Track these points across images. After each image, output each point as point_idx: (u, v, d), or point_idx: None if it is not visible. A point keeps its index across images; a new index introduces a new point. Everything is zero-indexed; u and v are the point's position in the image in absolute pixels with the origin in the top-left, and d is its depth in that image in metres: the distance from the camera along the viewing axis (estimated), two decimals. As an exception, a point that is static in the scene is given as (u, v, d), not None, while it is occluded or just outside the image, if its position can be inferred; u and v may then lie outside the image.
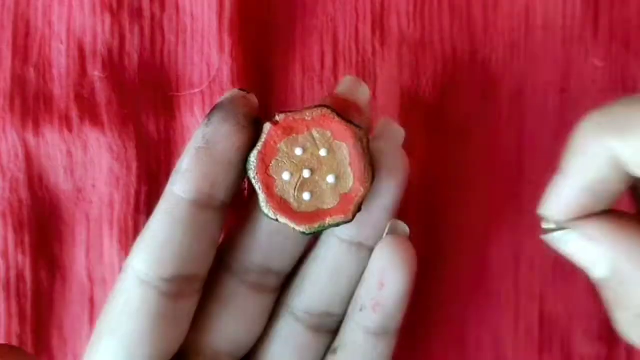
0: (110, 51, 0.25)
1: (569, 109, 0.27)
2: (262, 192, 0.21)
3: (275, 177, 0.21)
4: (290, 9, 0.27)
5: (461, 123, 0.27)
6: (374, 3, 0.27)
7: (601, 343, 0.27)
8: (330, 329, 0.24)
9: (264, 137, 0.21)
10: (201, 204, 0.21)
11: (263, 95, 0.27)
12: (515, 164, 0.27)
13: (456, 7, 0.27)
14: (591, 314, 0.27)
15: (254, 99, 0.22)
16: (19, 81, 0.25)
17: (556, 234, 0.20)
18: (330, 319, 0.23)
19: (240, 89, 0.22)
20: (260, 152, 0.21)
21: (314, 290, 0.23)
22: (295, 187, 0.21)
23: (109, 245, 0.26)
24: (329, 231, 0.23)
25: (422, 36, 0.27)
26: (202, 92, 0.26)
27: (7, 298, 0.25)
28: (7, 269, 0.25)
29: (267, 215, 0.21)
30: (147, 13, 0.26)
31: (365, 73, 0.27)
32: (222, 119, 0.21)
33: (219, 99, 0.22)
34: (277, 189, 0.21)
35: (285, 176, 0.21)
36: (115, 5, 0.26)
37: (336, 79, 0.27)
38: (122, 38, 0.26)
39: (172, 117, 0.26)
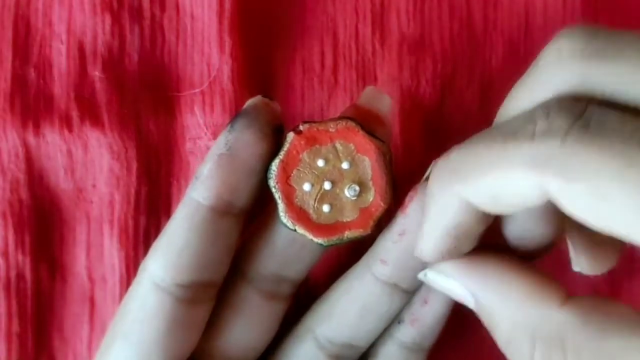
0: (110, 51, 0.25)
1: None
2: (282, 201, 0.21)
3: (296, 187, 0.21)
4: (290, 9, 0.27)
5: (461, 123, 0.27)
6: (374, 3, 0.27)
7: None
8: (349, 359, 0.24)
9: (286, 146, 0.21)
10: (221, 210, 0.21)
11: (263, 95, 0.27)
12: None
13: (456, 7, 0.27)
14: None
15: (277, 106, 0.22)
16: (19, 81, 0.25)
17: (423, 276, 0.21)
18: (351, 351, 0.23)
19: (264, 96, 0.22)
20: (282, 161, 0.21)
21: (340, 321, 0.23)
22: (315, 198, 0.21)
23: (109, 245, 0.26)
24: (364, 266, 0.23)
25: (422, 36, 0.27)
26: (202, 92, 0.26)
27: (7, 298, 0.25)
28: (7, 268, 0.25)
29: (285, 225, 0.21)
30: (147, 13, 0.26)
31: (365, 73, 0.27)
32: (245, 126, 0.21)
33: (243, 105, 0.22)
34: (297, 199, 0.21)
35: (306, 187, 0.21)
36: (115, 5, 0.26)
37: (336, 79, 0.27)
38: (122, 38, 0.26)
39: (172, 117, 0.26)
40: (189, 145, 0.26)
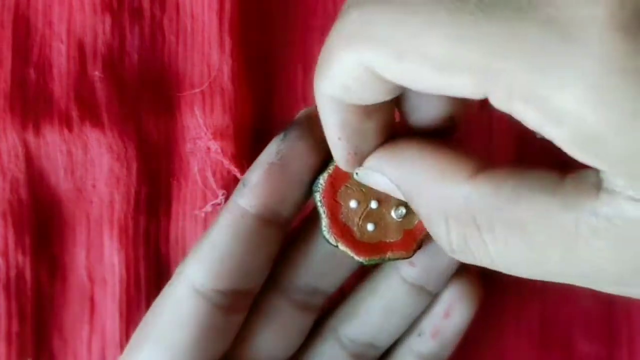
0: (110, 51, 0.25)
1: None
2: (327, 216, 0.21)
3: (342, 204, 0.21)
4: (290, 8, 0.27)
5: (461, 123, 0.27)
6: (374, 3, 0.27)
7: (601, 343, 0.27)
8: (371, 359, 0.24)
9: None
10: (266, 219, 0.21)
11: (263, 95, 0.27)
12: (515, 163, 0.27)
13: (456, 7, 0.27)
14: (591, 314, 0.27)
15: None
16: (19, 81, 0.25)
17: (355, 175, 0.20)
18: (373, 351, 0.24)
19: None
20: (330, 176, 0.21)
21: (365, 321, 0.23)
22: (361, 217, 0.21)
23: (109, 245, 0.26)
24: (391, 267, 0.23)
25: (422, 36, 0.27)
26: (202, 92, 0.26)
27: (7, 298, 0.25)
28: (7, 269, 0.25)
29: (327, 240, 0.21)
30: (147, 13, 0.26)
31: (365, 73, 0.27)
32: (298, 137, 0.21)
33: (296, 115, 0.22)
34: (342, 216, 0.21)
35: (352, 204, 0.21)
36: (115, 5, 0.25)
37: (336, 79, 0.27)
38: (122, 38, 0.26)
39: (172, 117, 0.26)
40: (189, 145, 0.26)
